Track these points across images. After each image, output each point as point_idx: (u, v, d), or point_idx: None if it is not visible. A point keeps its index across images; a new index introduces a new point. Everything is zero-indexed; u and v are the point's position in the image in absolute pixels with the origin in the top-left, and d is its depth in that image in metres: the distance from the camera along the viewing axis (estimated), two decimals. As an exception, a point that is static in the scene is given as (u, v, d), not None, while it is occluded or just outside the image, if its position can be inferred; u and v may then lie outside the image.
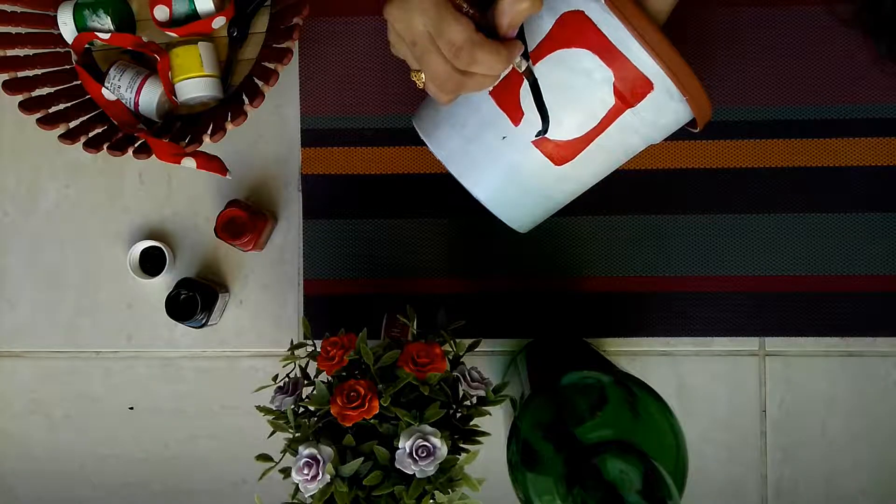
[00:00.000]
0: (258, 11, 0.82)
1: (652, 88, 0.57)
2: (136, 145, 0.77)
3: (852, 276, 0.81)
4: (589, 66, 0.57)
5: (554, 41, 0.57)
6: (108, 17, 0.79)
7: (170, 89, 0.80)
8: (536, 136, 0.56)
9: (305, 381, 0.67)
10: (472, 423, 0.65)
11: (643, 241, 0.82)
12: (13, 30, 0.79)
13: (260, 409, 0.66)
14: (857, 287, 0.81)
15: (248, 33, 0.82)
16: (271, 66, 0.76)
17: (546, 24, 0.57)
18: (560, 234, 0.82)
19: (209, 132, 0.76)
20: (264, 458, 0.64)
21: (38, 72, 0.79)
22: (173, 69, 0.79)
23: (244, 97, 0.77)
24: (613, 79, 0.57)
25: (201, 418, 0.86)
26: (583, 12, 0.56)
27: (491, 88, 0.59)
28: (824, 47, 0.81)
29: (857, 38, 0.81)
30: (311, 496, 0.59)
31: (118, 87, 0.79)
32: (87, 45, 0.82)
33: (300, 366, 0.68)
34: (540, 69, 0.57)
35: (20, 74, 0.77)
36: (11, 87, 0.76)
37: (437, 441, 0.58)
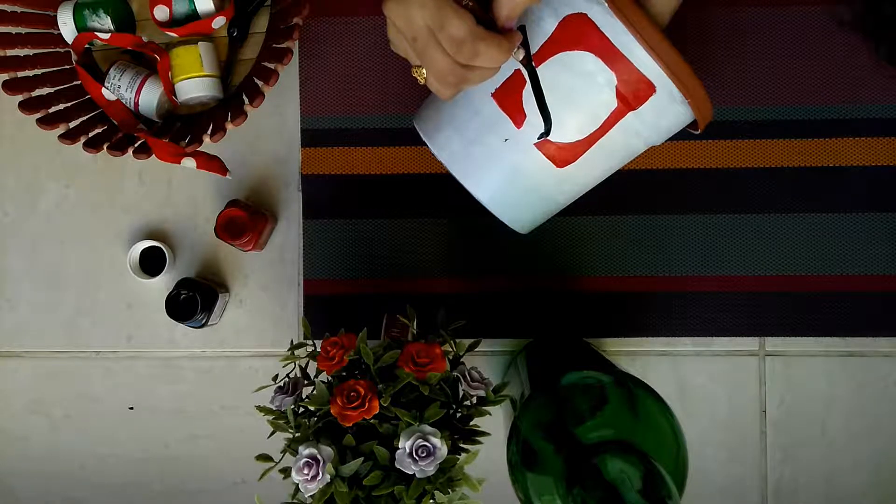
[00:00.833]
0: (258, 11, 0.82)
1: (654, 91, 0.57)
2: (136, 145, 0.77)
3: (852, 276, 0.81)
4: (591, 69, 0.57)
5: (557, 43, 0.57)
6: (108, 17, 0.79)
7: (170, 89, 0.80)
8: (539, 138, 0.56)
9: (305, 381, 0.67)
10: (472, 423, 0.65)
11: (643, 241, 0.82)
12: (13, 30, 0.79)
13: (260, 409, 0.66)
14: (857, 287, 0.81)
15: (248, 33, 0.82)
16: (271, 66, 0.76)
17: (549, 26, 0.57)
18: (560, 234, 0.82)
19: (209, 132, 0.76)
20: (264, 458, 0.64)
21: (38, 72, 0.79)
22: (173, 69, 0.79)
23: (244, 97, 0.77)
24: (616, 81, 0.57)
25: (201, 418, 0.86)
26: (585, 15, 0.56)
27: (493, 90, 0.59)
28: (824, 47, 0.81)
29: (858, 39, 0.81)
30: (311, 496, 0.59)
31: (118, 87, 0.79)
32: (87, 45, 0.82)
33: (300, 366, 0.68)
34: (542, 72, 0.57)
35: (20, 74, 0.77)
36: (11, 87, 0.76)
37: (437, 441, 0.58)
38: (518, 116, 0.59)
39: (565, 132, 0.59)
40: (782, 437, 0.83)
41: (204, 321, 0.80)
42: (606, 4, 0.55)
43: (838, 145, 0.81)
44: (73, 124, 0.78)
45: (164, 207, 0.86)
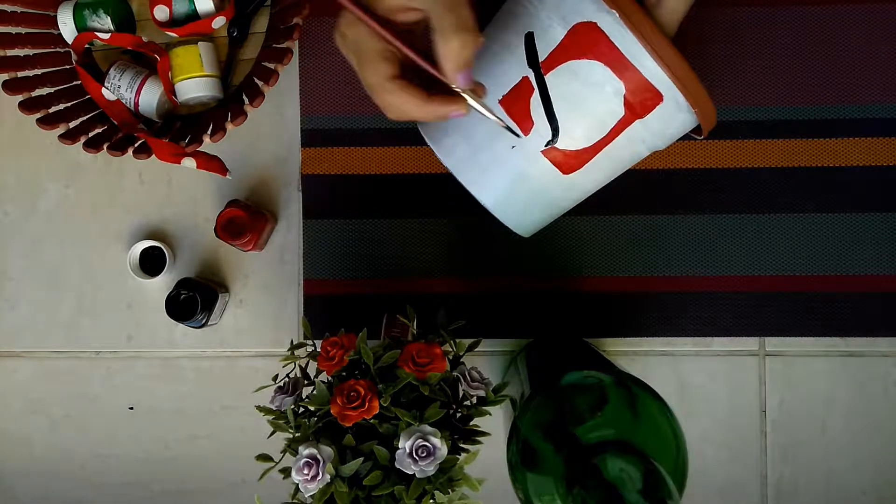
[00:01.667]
0: (258, 11, 0.82)
1: (661, 100, 0.58)
2: (136, 145, 0.77)
3: (852, 276, 0.81)
4: (600, 78, 0.57)
5: (565, 52, 0.57)
6: (108, 17, 0.79)
7: (170, 89, 0.80)
8: (546, 145, 0.56)
9: (305, 381, 0.67)
10: (472, 423, 0.65)
11: (643, 241, 0.82)
12: (13, 30, 0.79)
13: (260, 409, 0.66)
14: (857, 287, 0.81)
15: (248, 33, 0.82)
16: (271, 66, 0.76)
17: (558, 34, 0.57)
18: (560, 234, 0.82)
19: (209, 132, 0.76)
20: (264, 458, 0.64)
21: (38, 72, 0.79)
22: (173, 69, 0.79)
23: (244, 97, 0.77)
24: (624, 90, 0.57)
25: (201, 418, 0.86)
26: (595, 24, 0.56)
27: (501, 97, 0.59)
28: (824, 47, 0.81)
29: (858, 39, 0.81)
30: (311, 496, 0.59)
31: (118, 87, 0.79)
32: (87, 45, 0.82)
33: (300, 366, 0.68)
34: (551, 80, 0.57)
35: (20, 74, 0.77)
36: (11, 87, 0.76)
37: (437, 441, 0.58)
38: (525, 123, 0.59)
39: (573, 140, 0.59)
40: (782, 437, 0.83)
41: (204, 321, 0.80)
42: (617, 14, 0.55)
43: (838, 145, 0.81)
44: (73, 124, 0.78)
45: (164, 207, 0.86)
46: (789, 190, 0.82)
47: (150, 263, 0.84)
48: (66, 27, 0.80)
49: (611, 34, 0.56)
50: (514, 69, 0.58)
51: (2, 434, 0.88)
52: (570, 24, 0.57)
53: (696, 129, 0.64)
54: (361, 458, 0.59)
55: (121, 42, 0.80)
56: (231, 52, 0.82)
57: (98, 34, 0.79)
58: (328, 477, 0.58)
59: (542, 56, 0.58)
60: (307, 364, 0.69)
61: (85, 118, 0.79)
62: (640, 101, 0.58)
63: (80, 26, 0.80)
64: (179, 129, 0.80)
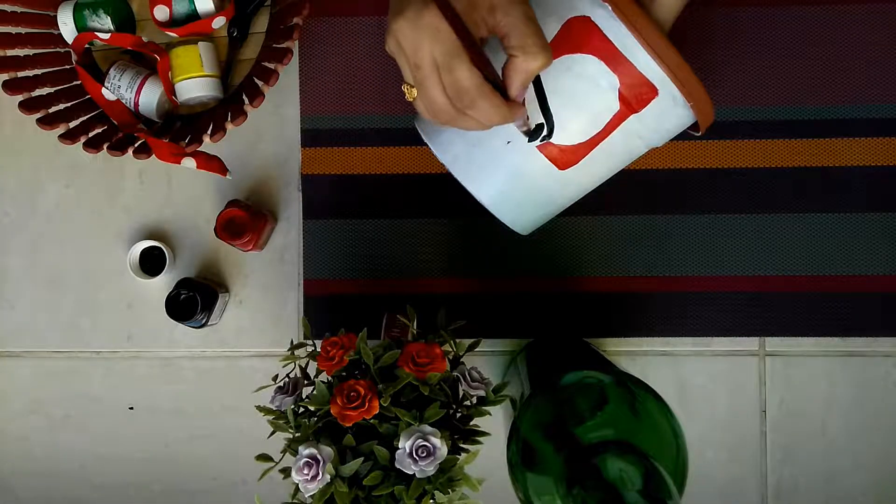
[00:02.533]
0: (258, 11, 0.82)
1: (657, 94, 0.57)
2: (136, 145, 0.77)
3: (852, 276, 0.81)
4: (595, 72, 0.57)
5: (560, 46, 0.57)
6: (108, 17, 0.79)
7: (170, 89, 0.80)
8: (541, 140, 0.56)
9: (305, 381, 0.67)
10: (472, 423, 0.65)
11: (643, 241, 0.82)
12: (13, 30, 0.79)
13: (260, 409, 0.66)
14: (857, 287, 0.81)
15: (248, 33, 0.82)
16: (271, 66, 0.76)
17: (551, 28, 0.57)
18: (560, 234, 0.82)
19: (209, 132, 0.76)
20: (264, 458, 0.64)
21: (38, 72, 0.79)
22: (173, 69, 0.79)
23: (244, 97, 0.77)
24: (619, 84, 0.57)
25: (201, 418, 0.86)
26: (589, 18, 0.56)
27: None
28: (824, 47, 0.81)
29: (858, 39, 0.81)
30: (311, 496, 0.59)
31: (118, 87, 0.79)
32: (87, 45, 0.82)
33: (300, 366, 0.68)
34: (545, 74, 0.57)
35: (20, 74, 0.77)
36: (11, 87, 0.76)
37: (437, 441, 0.58)
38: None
39: (568, 135, 0.59)
40: (782, 437, 0.83)
41: (204, 321, 0.80)
42: (610, 8, 0.55)
43: (838, 145, 0.81)
44: (73, 124, 0.78)
45: (164, 207, 0.86)
46: (789, 190, 0.82)
47: (150, 263, 0.84)
48: (66, 27, 0.80)
49: (604, 28, 0.56)
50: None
51: (2, 434, 0.88)
52: (563, 18, 0.57)
53: (695, 127, 0.64)
54: (361, 458, 0.59)
55: (121, 42, 0.80)
56: (231, 52, 0.82)
57: (98, 34, 0.79)
58: (328, 477, 0.58)
59: None
60: (307, 364, 0.69)
61: (85, 118, 0.79)
62: (635, 95, 0.57)
63: (80, 26, 0.80)
64: (179, 129, 0.80)
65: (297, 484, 0.59)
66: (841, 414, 0.83)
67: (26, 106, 0.76)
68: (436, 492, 0.59)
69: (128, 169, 0.86)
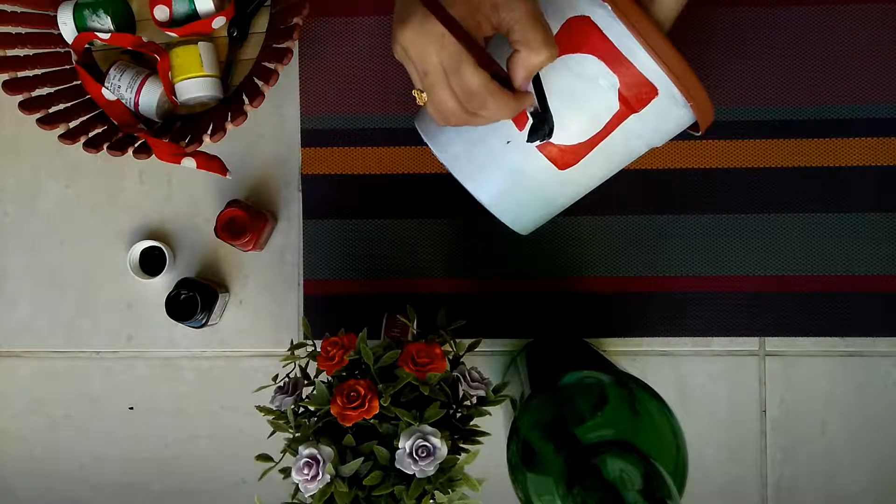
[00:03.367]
0: (258, 11, 0.82)
1: (656, 94, 0.57)
2: (136, 145, 0.77)
3: (852, 276, 0.81)
4: (594, 72, 0.57)
5: (560, 46, 0.57)
6: (108, 17, 0.79)
7: (170, 89, 0.80)
8: (541, 140, 0.56)
9: (305, 381, 0.67)
10: (472, 423, 0.65)
11: (643, 241, 0.82)
12: (13, 30, 0.79)
13: (260, 409, 0.66)
14: (857, 287, 0.81)
15: (248, 33, 0.82)
16: (271, 66, 0.76)
17: (551, 28, 0.57)
18: (560, 234, 0.82)
19: (209, 132, 0.76)
20: (264, 458, 0.64)
21: (38, 72, 0.79)
22: (173, 69, 0.79)
23: (244, 97, 0.77)
24: (618, 84, 0.57)
25: (201, 418, 0.86)
26: (589, 18, 0.56)
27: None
28: (824, 47, 0.81)
29: (858, 39, 0.81)
30: (311, 496, 0.59)
31: (118, 87, 0.79)
32: (87, 45, 0.82)
33: (300, 366, 0.68)
34: (545, 74, 0.57)
35: (20, 74, 0.77)
36: (11, 87, 0.76)
37: (437, 441, 0.58)
38: (521, 118, 0.59)
39: (567, 134, 0.59)
40: (782, 437, 0.83)
41: (204, 321, 0.80)
42: (609, 7, 0.55)
43: (838, 145, 0.81)
44: (73, 124, 0.78)
45: (164, 207, 0.86)
46: (789, 190, 0.82)
47: (150, 263, 0.84)
48: (66, 27, 0.80)
49: (604, 27, 0.56)
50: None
51: (2, 434, 0.88)
52: (563, 17, 0.57)
53: (695, 127, 0.64)
54: (361, 458, 0.59)
55: (121, 42, 0.80)
56: (231, 52, 0.82)
57: (98, 34, 0.79)
58: (328, 477, 0.58)
59: None
60: (307, 364, 0.69)
61: (85, 118, 0.79)
62: (635, 95, 0.57)
63: (80, 26, 0.80)
64: (179, 129, 0.80)
65: (297, 484, 0.59)
66: (841, 414, 0.83)
67: (26, 106, 0.76)
68: (436, 492, 0.59)
69: (128, 169, 0.86)
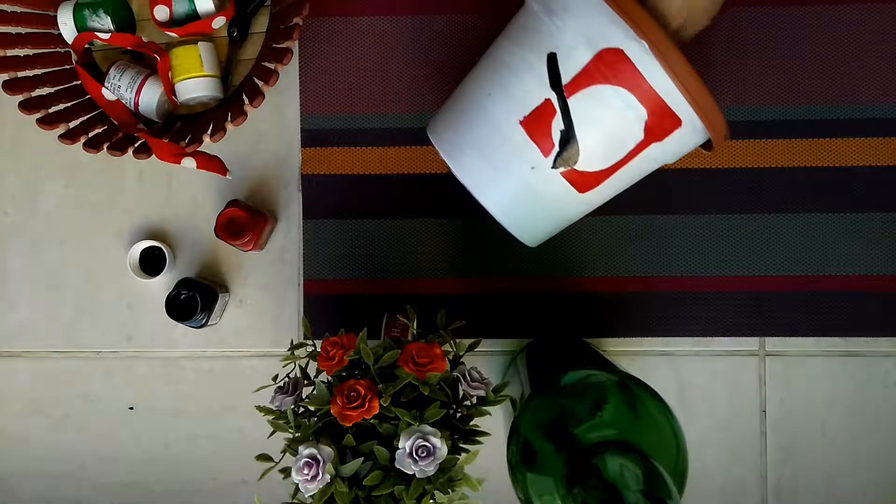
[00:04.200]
0: (258, 11, 0.82)
1: (680, 124, 0.58)
2: (136, 145, 0.77)
3: (852, 276, 0.81)
4: (623, 104, 0.58)
5: (590, 76, 0.57)
6: (108, 17, 0.79)
7: (170, 89, 0.80)
8: (565, 167, 0.57)
9: (305, 381, 0.67)
10: (472, 423, 0.65)
11: (643, 241, 0.82)
12: (13, 30, 0.79)
13: (260, 409, 0.66)
14: (857, 287, 0.81)
15: (248, 33, 0.82)
16: (271, 66, 0.76)
17: (582, 57, 0.58)
18: (560, 234, 0.82)
19: (209, 132, 0.76)
20: (264, 458, 0.64)
21: (38, 72, 0.79)
22: (173, 69, 0.79)
23: (244, 97, 0.77)
24: (646, 117, 0.58)
25: (201, 418, 0.86)
26: (622, 51, 0.56)
27: (522, 118, 0.60)
28: (824, 47, 0.81)
29: (858, 39, 0.81)
30: (311, 496, 0.59)
31: (118, 87, 0.79)
32: (87, 45, 0.82)
33: (300, 366, 0.68)
34: (573, 103, 0.57)
35: (20, 74, 0.77)
36: (11, 87, 0.76)
37: (437, 441, 0.58)
38: (546, 145, 0.59)
39: (592, 161, 0.60)
40: (782, 437, 0.83)
41: (204, 321, 0.80)
42: (646, 45, 0.55)
43: (838, 145, 0.81)
44: (73, 124, 0.78)
45: (164, 207, 0.86)
46: (789, 190, 0.82)
47: (150, 263, 0.84)
48: (66, 27, 0.80)
49: (637, 62, 0.56)
50: (537, 90, 0.59)
51: (2, 434, 0.88)
52: (595, 48, 0.57)
53: (706, 145, 0.65)
54: (361, 458, 0.59)
55: (121, 42, 0.80)
56: (231, 52, 0.82)
57: (98, 34, 0.79)
58: (328, 477, 0.58)
59: (564, 79, 0.58)
60: (307, 364, 0.69)
61: (85, 118, 0.79)
62: (660, 126, 0.59)
63: (80, 26, 0.80)
64: (179, 129, 0.80)
65: (297, 484, 0.59)
66: (841, 414, 0.83)
67: (26, 106, 0.76)
68: (436, 492, 0.59)
69: (128, 169, 0.86)
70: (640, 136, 0.59)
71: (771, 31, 0.82)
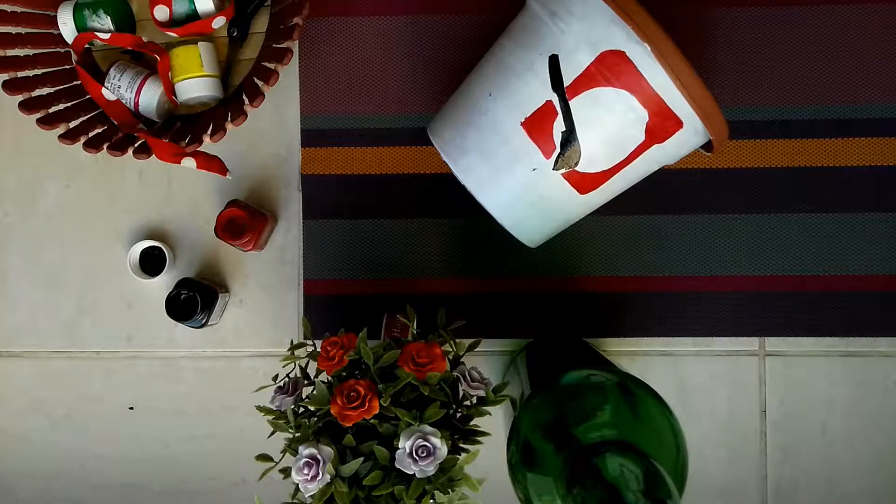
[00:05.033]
0: (258, 11, 0.82)
1: (682, 127, 0.59)
2: (136, 145, 0.77)
3: (852, 276, 0.81)
4: (625, 106, 0.58)
5: (591, 79, 0.58)
6: (108, 17, 0.79)
7: (170, 89, 0.80)
8: (567, 169, 0.57)
9: (305, 381, 0.67)
10: (472, 423, 0.65)
11: (643, 241, 0.82)
12: (13, 30, 0.79)
13: (260, 409, 0.66)
14: (857, 287, 0.81)
15: (248, 33, 0.82)
16: (271, 66, 0.76)
17: (584, 59, 0.58)
18: (560, 234, 0.82)
19: (209, 132, 0.76)
20: (264, 458, 0.64)
21: (38, 72, 0.79)
22: (173, 69, 0.79)
23: (244, 97, 0.77)
24: (647, 119, 0.58)
25: (201, 418, 0.86)
26: (624, 53, 0.57)
27: (523, 119, 0.60)
28: (824, 47, 0.81)
29: (858, 39, 0.81)
30: (311, 496, 0.59)
31: (118, 87, 0.79)
32: (87, 45, 0.82)
33: (300, 366, 0.68)
34: (575, 104, 0.58)
35: (20, 74, 0.77)
36: (11, 87, 0.76)
37: (437, 441, 0.58)
38: (548, 147, 0.60)
39: (593, 163, 0.60)
40: (782, 437, 0.83)
41: (204, 321, 0.80)
42: (649, 48, 0.55)
43: (838, 145, 0.81)
44: (73, 124, 0.78)
45: (164, 207, 0.86)
46: (789, 190, 0.82)
47: (150, 263, 0.84)
48: (66, 27, 0.80)
49: (639, 65, 0.56)
50: (538, 92, 0.59)
51: (2, 434, 0.88)
52: (597, 50, 0.57)
53: (706, 146, 0.65)
54: (361, 458, 0.59)
55: (121, 42, 0.80)
56: (231, 52, 0.82)
57: (98, 34, 0.79)
58: (328, 477, 0.58)
59: (566, 80, 0.58)
60: (307, 364, 0.69)
61: (85, 118, 0.79)
62: (661, 128, 0.59)
63: (80, 26, 0.80)
64: (179, 129, 0.80)
65: (297, 484, 0.59)
66: (841, 414, 0.83)
67: (26, 106, 0.76)
68: (436, 492, 0.59)
69: (128, 169, 0.86)
70: (642, 137, 0.59)
71: (771, 31, 0.82)
